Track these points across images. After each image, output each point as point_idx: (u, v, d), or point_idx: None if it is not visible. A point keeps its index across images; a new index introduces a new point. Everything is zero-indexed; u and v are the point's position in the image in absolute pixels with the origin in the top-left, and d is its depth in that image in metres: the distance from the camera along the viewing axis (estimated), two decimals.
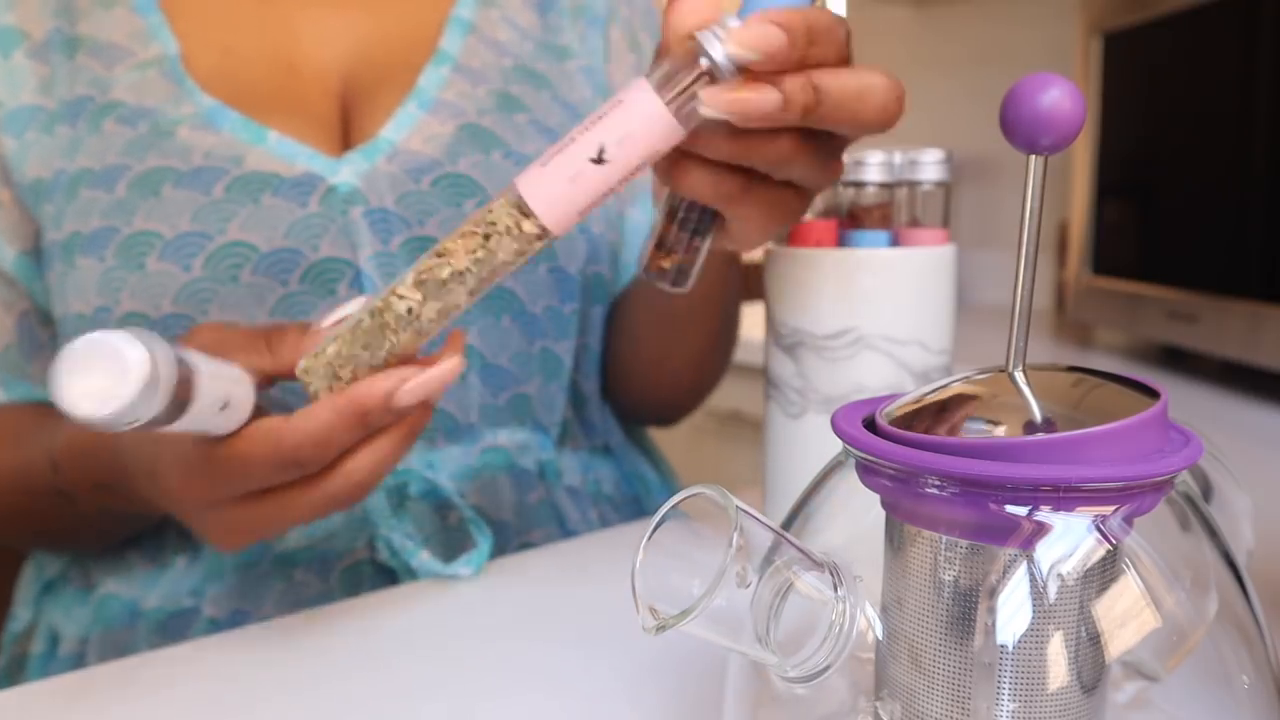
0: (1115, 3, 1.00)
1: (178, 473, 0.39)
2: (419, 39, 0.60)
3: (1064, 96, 0.23)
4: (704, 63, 0.32)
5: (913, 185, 0.46)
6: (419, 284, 0.35)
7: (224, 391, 0.34)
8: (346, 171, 0.54)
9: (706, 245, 0.40)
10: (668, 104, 0.32)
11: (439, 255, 0.35)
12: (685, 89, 0.32)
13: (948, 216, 0.47)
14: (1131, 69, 0.99)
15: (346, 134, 0.57)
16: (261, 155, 0.53)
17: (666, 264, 0.40)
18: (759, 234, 0.39)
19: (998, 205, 1.55)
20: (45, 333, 0.56)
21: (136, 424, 0.29)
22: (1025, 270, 0.24)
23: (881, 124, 0.35)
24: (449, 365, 0.38)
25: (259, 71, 0.56)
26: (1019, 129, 0.23)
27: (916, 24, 1.66)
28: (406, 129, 0.56)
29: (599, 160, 0.32)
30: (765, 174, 0.36)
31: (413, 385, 0.37)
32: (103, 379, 0.28)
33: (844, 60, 0.34)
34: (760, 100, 0.32)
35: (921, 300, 0.44)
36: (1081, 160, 1.08)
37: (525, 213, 0.34)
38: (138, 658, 0.42)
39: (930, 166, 0.46)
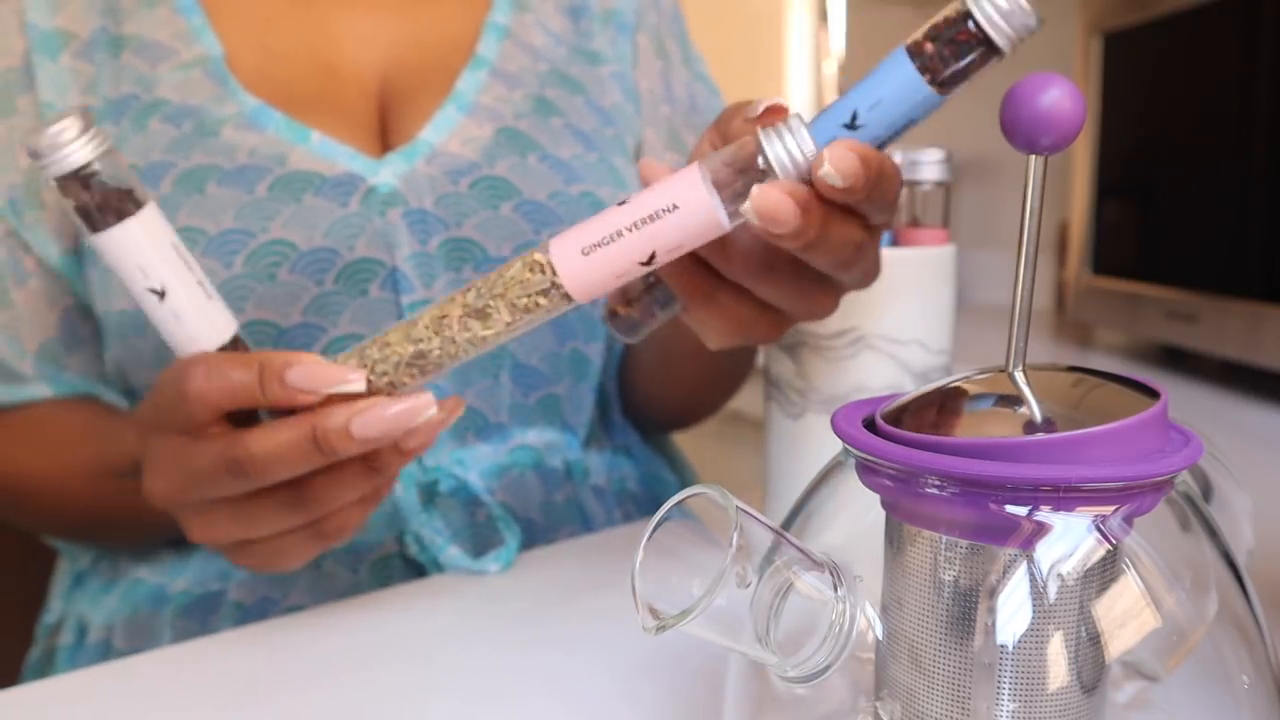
0: (1115, 3, 1.00)
1: (147, 467, 0.38)
2: (455, 43, 0.60)
3: (1064, 96, 0.23)
4: (760, 161, 0.31)
5: (913, 185, 0.46)
6: (452, 334, 0.34)
7: (161, 276, 0.34)
8: (386, 173, 0.55)
9: (663, 316, 0.40)
10: (720, 202, 0.31)
11: (476, 315, 0.34)
12: (740, 191, 0.31)
13: (948, 216, 0.47)
14: (1131, 69, 0.99)
15: (384, 136, 0.58)
16: (304, 155, 0.54)
17: (621, 311, 0.40)
18: (716, 339, 0.39)
19: (998, 205, 1.54)
20: (87, 328, 0.57)
21: (57, 170, 0.32)
22: (1025, 270, 0.24)
23: (857, 285, 0.37)
24: (415, 404, 0.35)
25: (299, 72, 0.57)
26: (1019, 129, 0.23)
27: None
28: (445, 132, 0.57)
29: (648, 263, 0.32)
30: (744, 287, 0.36)
31: (368, 418, 0.34)
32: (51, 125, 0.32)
33: (892, 201, 0.34)
34: (786, 216, 0.31)
35: (921, 300, 0.44)
36: (1081, 160, 1.08)
37: (566, 296, 0.33)
38: (151, 654, 0.42)
39: (930, 166, 0.46)
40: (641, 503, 0.64)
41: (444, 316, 0.34)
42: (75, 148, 0.32)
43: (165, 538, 0.56)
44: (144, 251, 0.34)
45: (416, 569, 0.54)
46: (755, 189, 0.31)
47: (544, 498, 0.58)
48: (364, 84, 0.58)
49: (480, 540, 0.54)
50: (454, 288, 0.55)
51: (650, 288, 0.40)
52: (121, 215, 0.33)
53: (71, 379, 0.56)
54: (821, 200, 0.32)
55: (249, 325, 0.52)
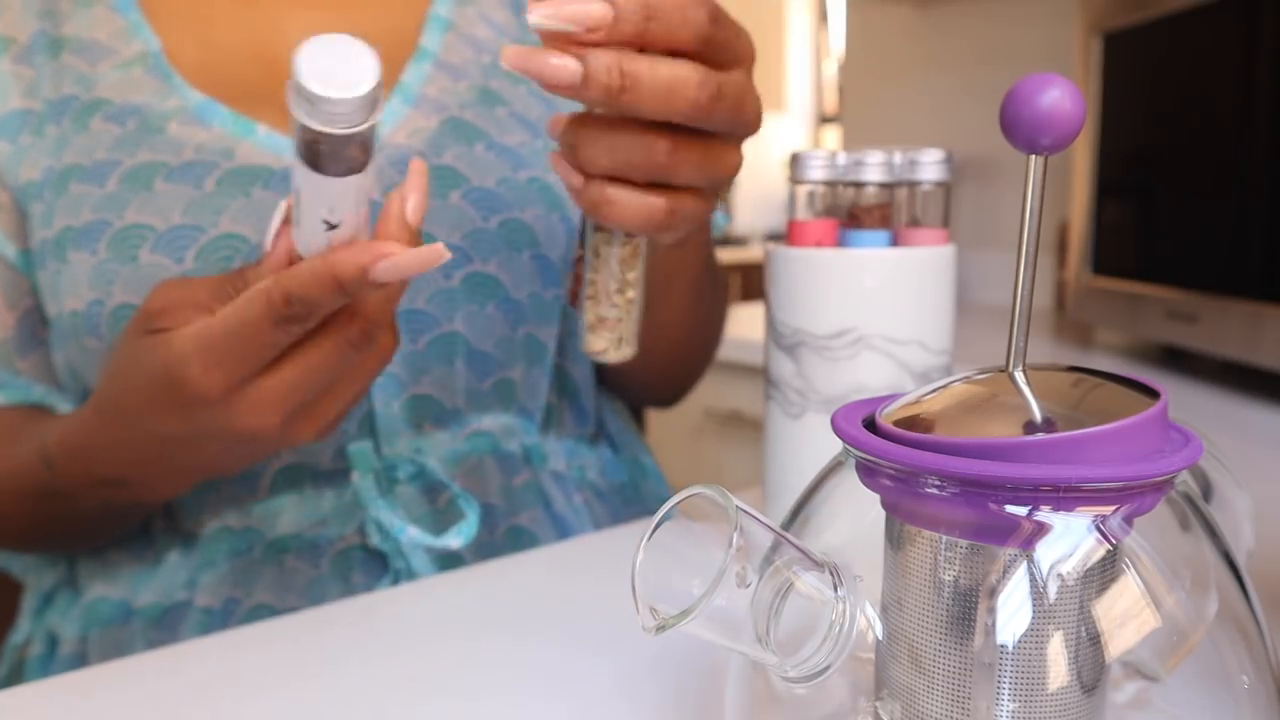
0: (1115, 3, 1.00)
1: (196, 369, 0.39)
2: (398, 37, 0.61)
3: (1064, 96, 0.23)
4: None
5: (913, 185, 0.46)
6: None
7: (341, 215, 0.36)
8: None
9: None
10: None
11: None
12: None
13: (948, 216, 0.47)
14: (1131, 69, 0.99)
15: None
16: (250, 149, 0.54)
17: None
18: (658, 236, 0.40)
19: (998, 205, 1.55)
20: (44, 331, 0.56)
21: (355, 128, 0.33)
22: (1025, 270, 0.24)
23: (695, 119, 0.36)
24: (430, 253, 0.37)
25: (240, 66, 0.57)
26: (1019, 129, 0.23)
27: (917, 24, 1.66)
28: (392, 124, 0.57)
29: None
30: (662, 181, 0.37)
31: (388, 265, 0.36)
32: (344, 69, 0.33)
33: (698, 42, 0.34)
34: (556, 71, 0.32)
35: (921, 300, 0.44)
36: (1081, 160, 1.08)
37: None
38: (136, 658, 0.42)
39: (930, 166, 0.46)
40: (603, 492, 0.64)
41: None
42: (376, 97, 0.33)
43: (122, 542, 0.55)
44: (363, 182, 0.36)
45: (378, 559, 0.54)
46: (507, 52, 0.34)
47: (503, 482, 0.58)
48: None
49: (441, 524, 0.54)
50: None
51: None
52: (352, 170, 0.35)
53: (26, 385, 0.56)
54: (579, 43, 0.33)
55: None
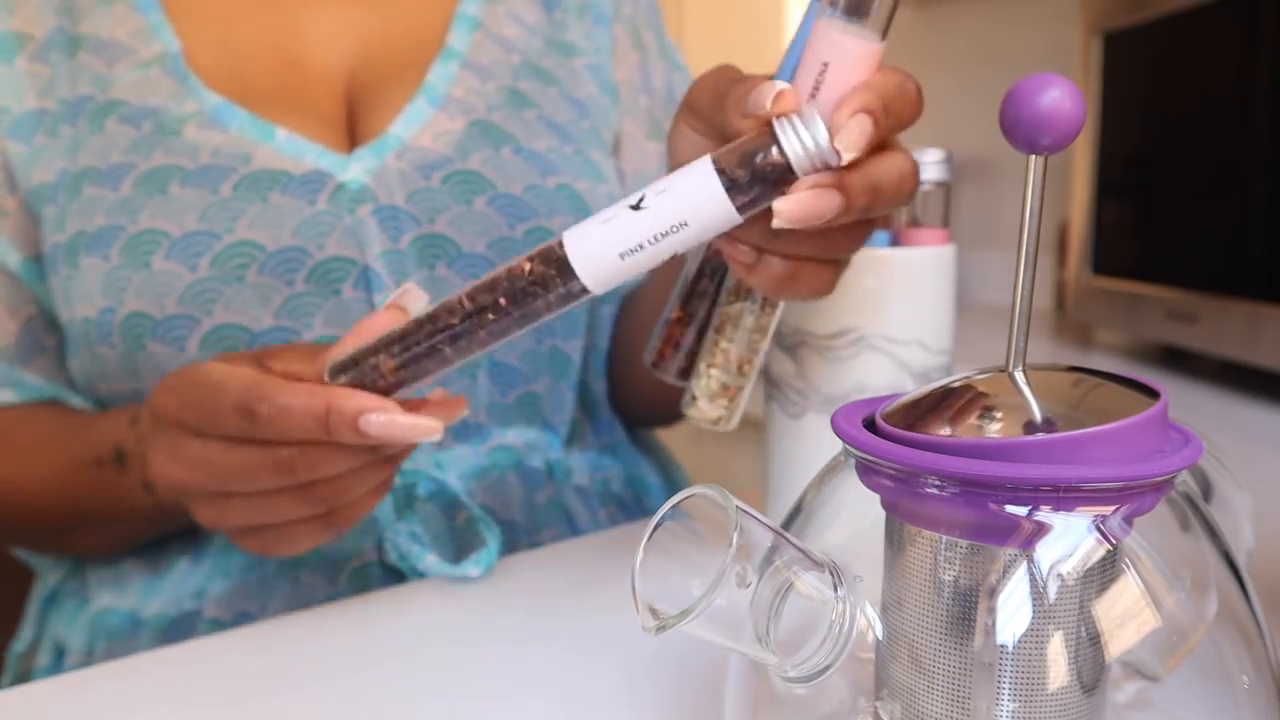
0: (1115, 3, 1.00)
1: (164, 455, 0.38)
2: (424, 36, 0.59)
3: (1064, 96, 0.23)
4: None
5: None
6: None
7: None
8: (356, 169, 0.54)
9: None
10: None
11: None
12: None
13: (948, 216, 0.47)
14: (1131, 69, 0.99)
15: (352, 132, 0.57)
16: (269, 153, 0.53)
17: (667, 356, 0.43)
18: (773, 296, 0.38)
19: (998, 205, 1.54)
20: (50, 338, 0.56)
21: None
22: (1025, 270, 0.24)
23: (905, 204, 0.37)
24: (427, 424, 0.36)
25: (262, 68, 0.56)
26: (1019, 129, 0.23)
27: (917, 24, 1.66)
28: (416, 126, 0.56)
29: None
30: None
31: (383, 419, 0.35)
32: None
33: (916, 116, 0.34)
34: (827, 207, 0.31)
35: (921, 300, 0.44)
36: (1081, 160, 1.08)
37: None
38: (138, 657, 0.42)
39: (930, 166, 0.46)
40: (625, 504, 0.63)
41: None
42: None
43: (133, 550, 0.55)
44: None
45: (396, 576, 0.53)
46: (776, 205, 0.31)
47: (525, 498, 0.57)
48: (330, 79, 0.57)
49: (460, 543, 0.52)
50: (427, 286, 0.54)
51: (696, 323, 0.42)
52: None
53: (34, 383, 0.55)
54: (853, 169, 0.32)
55: (219, 330, 0.51)
